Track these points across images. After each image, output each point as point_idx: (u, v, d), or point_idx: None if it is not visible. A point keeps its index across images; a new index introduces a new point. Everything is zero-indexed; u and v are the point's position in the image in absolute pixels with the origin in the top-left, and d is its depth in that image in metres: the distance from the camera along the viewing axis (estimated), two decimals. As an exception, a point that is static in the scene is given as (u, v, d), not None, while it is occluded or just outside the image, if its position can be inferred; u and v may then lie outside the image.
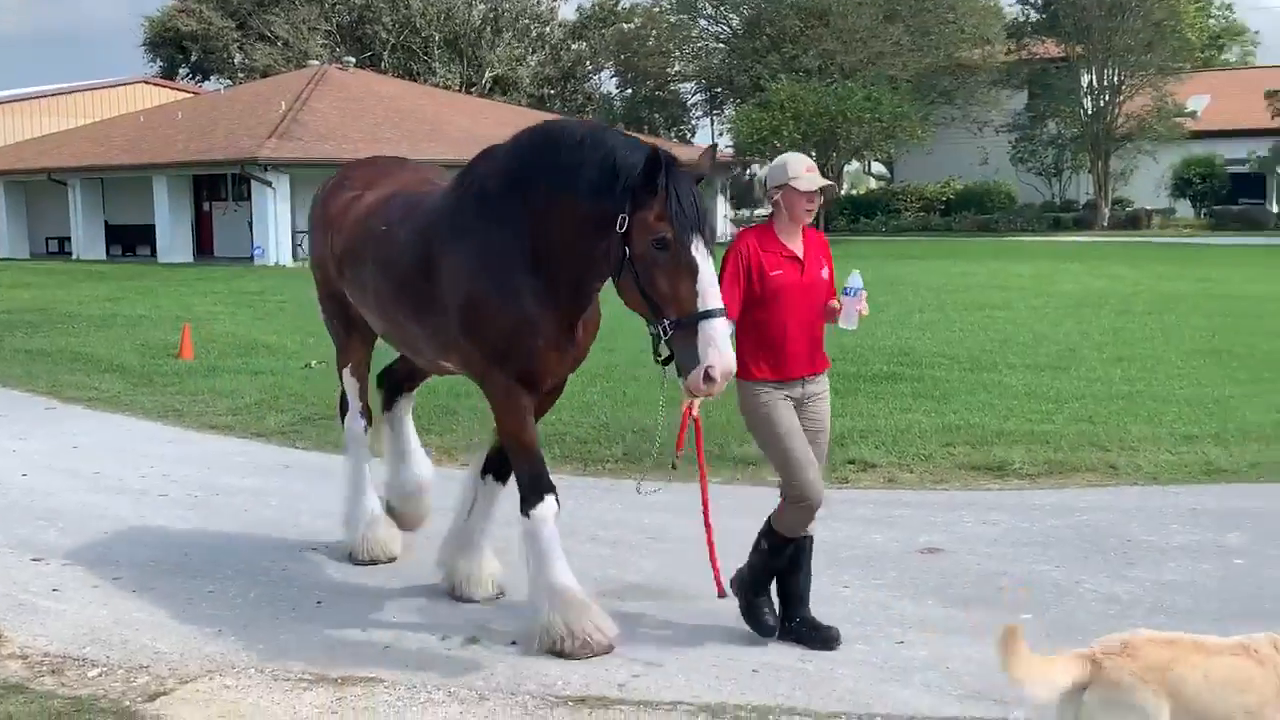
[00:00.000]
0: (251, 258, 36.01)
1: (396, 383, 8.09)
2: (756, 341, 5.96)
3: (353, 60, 52.15)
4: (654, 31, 65.32)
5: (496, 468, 6.79)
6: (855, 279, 5.99)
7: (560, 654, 5.95)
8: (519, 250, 6.03)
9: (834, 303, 6.10)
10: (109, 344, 17.54)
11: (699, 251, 5.50)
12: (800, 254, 6.03)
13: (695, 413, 5.83)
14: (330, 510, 8.55)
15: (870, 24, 54.29)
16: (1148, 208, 50.88)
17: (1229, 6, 71.85)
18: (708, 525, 6.18)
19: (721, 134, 64.05)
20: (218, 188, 40.95)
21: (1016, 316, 17.12)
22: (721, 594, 6.18)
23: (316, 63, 50.54)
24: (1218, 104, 53.61)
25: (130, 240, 41.22)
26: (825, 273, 6.12)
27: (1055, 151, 52.20)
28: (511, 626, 6.38)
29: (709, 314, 5.42)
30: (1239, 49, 72.97)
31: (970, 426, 10.52)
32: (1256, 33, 75.25)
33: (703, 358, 5.35)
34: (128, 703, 5.58)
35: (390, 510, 7.85)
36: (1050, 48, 52.21)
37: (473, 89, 61.51)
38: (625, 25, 67.38)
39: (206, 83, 65.95)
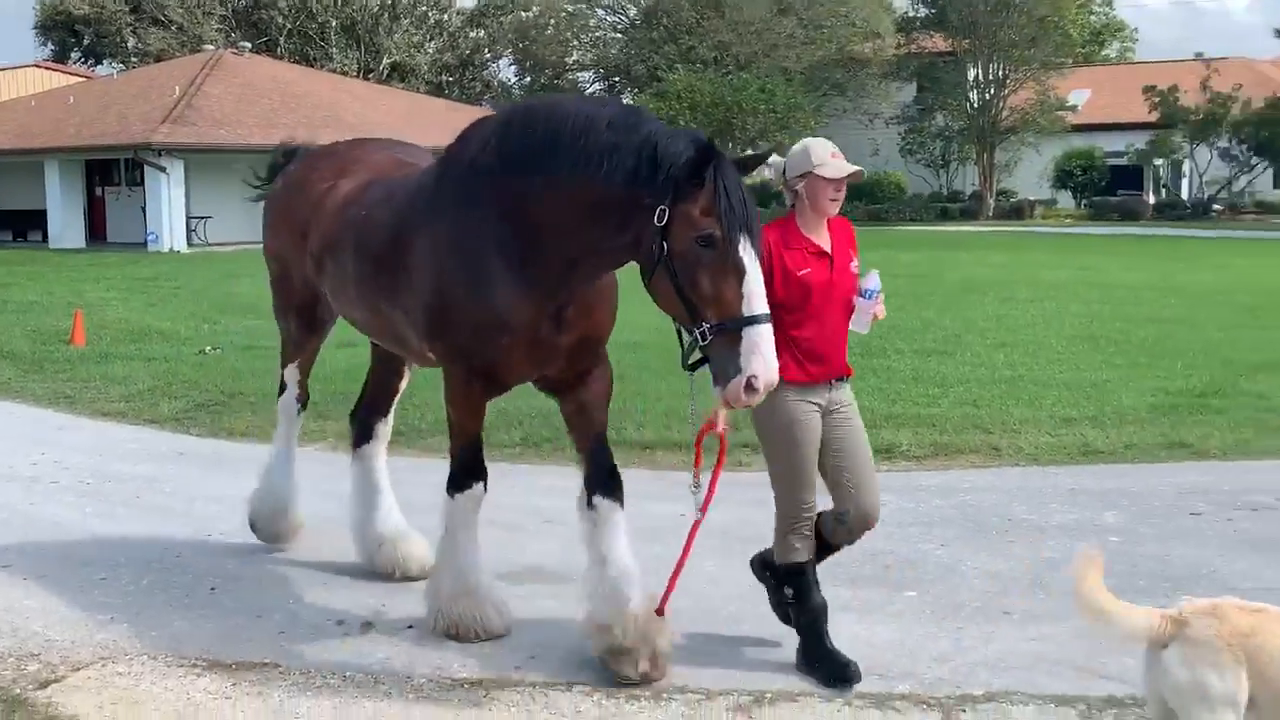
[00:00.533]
0: (145, 243, 35.28)
1: (366, 420, 7.40)
2: (782, 342, 5.19)
3: (248, 45, 51.10)
4: (552, 20, 65.36)
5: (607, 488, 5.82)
6: (873, 280, 5.51)
7: (456, 637, 5.90)
8: (497, 236, 5.49)
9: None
10: (-3, 330, 17.08)
11: (747, 252, 4.92)
12: (828, 247, 5.49)
13: (721, 428, 5.35)
14: (224, 496, 8.45)
15: (764, 16, 55.01)
16: (1030, 198, 51.90)
17: (1109, 3, 73.31)
18: (688, 546, 5.58)
19: (620, 121, 63.86)
20: (111, 173, 40.09)
21: (904, 304, 17.27)
22: (660, 613, 5.61)
23: (211, 48, 49.47)
24: (1098, 98, 54.68)
25: (20, 225, 40.21)
26: (855, 265, 5.58)
27: (942, 144, 53.08)
28: (405, 612, 6.35)
29: (755, 319, 4.84)
30: (1119, 45, 74.45)
31: (860, 410, 10.60)
32: (1135, 30, 76.95)
33: (745, 366, 4.79)
34: (18, 690, 5.46)
35: (367, 559, 7.15)
36: (938, 42, 52.91)
37: (370, 75, 60.67)
38: (524, 13, 66.96)
39: (99, 67, 64.40)
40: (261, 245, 7.60)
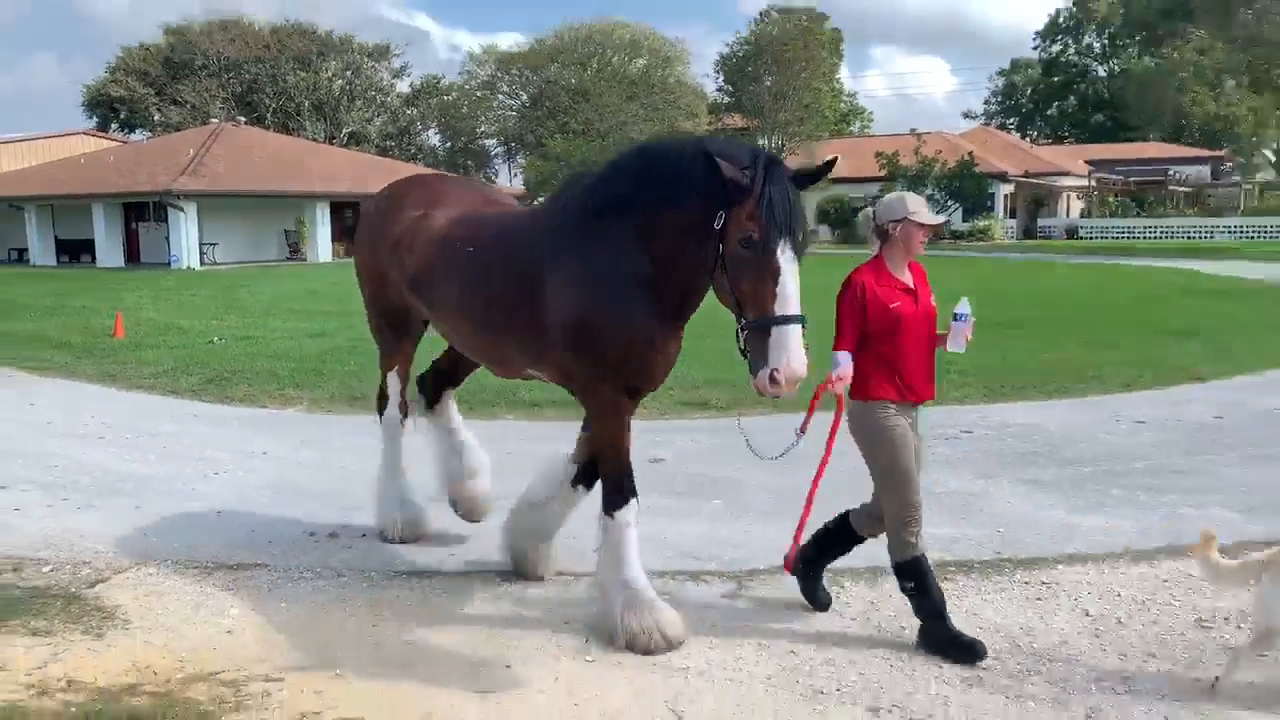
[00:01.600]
0: (169, 263, 34.01)
1: (439, 383, 6.14)
2: (878, 366, 4.54)
3: (243, 119, 49.37)
4: (466, 102, 64.78)
5: (587, 479, 5.10)
6: (964, 305, 4.65)
7: (634, 649, 4.53)
8: (627, 266, 4.48)
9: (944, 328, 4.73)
10: (58, 327, 16.24)
11: (784, 255, 4.04)
12: (911, 284, 4.66)
13: (838, 389, 4.47)
14: (227, 446, 8.24)
15: (617, 101, 55.16)
16: (801, 230, 52.55)
17: (854, 95, 75.20)
18: (809, 503, 4.87)
19: (516, 175, 63.87)
20: (143, 211, 38.19)
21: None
22: (789, 570, 4.98)
23: (216, 121, 47.86)
24: (846, 160, 55.62)
25: (75, 251, 38.31)
26: (932, 299, 4.74)
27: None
28: (362, 525, 6.22)
29: (784, 319, 4.00)
30: (859, 123, 75.98)
31: (685, 377, 10.63)
32: (870, 113, 78.75)
33: (771, 360, 3.97)
34: (74, 589, 5.26)
35: (452, 503, 6.04)
36: (737, 120, 53.39)
37: (334, 140, 59.18)
38: (445, 97, 66.30)
39: (132, 134, 61.54)
40: (355, 264, 6.05)
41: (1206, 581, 4.58)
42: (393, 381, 5.97)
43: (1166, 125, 62.22)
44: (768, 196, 4.06)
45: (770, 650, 4.59)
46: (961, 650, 4.45)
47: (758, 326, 4.04)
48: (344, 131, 62.27)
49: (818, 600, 5.01)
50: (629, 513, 4.65)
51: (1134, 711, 3.99)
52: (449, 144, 67.07)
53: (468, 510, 6.03)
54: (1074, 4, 76.50)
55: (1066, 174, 54.70)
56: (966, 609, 4.95)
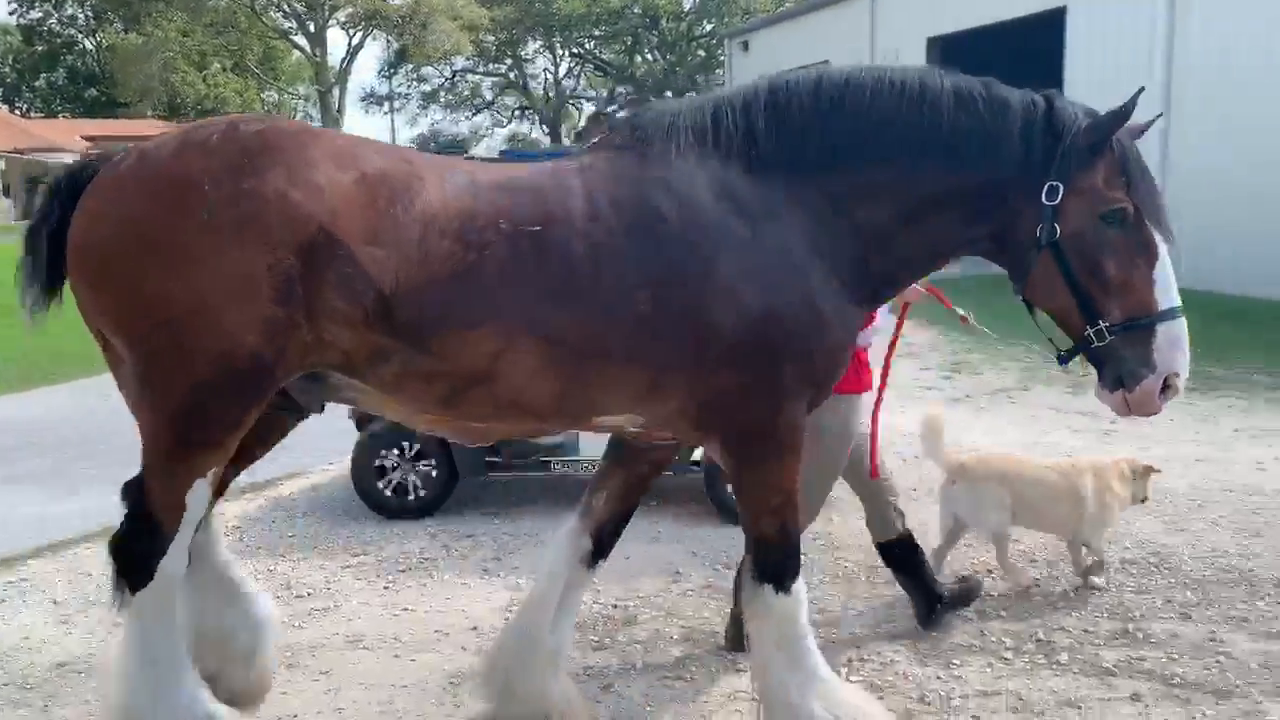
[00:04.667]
0: None
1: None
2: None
3: None
4: None
5: (603, 551, 3.66)
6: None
7: None
8: (825, 246, 3.12)
9: None
10: None
11: (1162, 231, 3.07)
12: None
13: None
14: None
15: None
16: None
17: None
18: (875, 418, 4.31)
19: None
20: None
21: None
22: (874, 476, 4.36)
23: None
24: None
25: None
26: None
27: None
28: None
29: (1172, 311, 3.04)
30: None
31: None
32: None
33: (1165, 364, 3.02)
34: None
35: (210, 681, 3.36)
36: None
37: None
38: None
39: None
40: (120, 291, 2.94)
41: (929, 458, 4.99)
42: (196, 498, 3.07)
43: (160, 103, 63.19)
44: (1133, 158, 3.11)
45: None
46: (960, 601, 4.52)
47: (1141, 326, 3.05)
48: None
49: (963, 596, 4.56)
50: (802, 590, 3.33)
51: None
52: None
53: (242, 693, 3.62)
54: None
55: (63, 150, 52.02)
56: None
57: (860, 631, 4.47)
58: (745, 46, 28.39)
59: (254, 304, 2.83)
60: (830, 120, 3.12)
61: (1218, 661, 4.11)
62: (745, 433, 3.17)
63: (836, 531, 5.58)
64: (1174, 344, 3.02)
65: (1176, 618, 4.53)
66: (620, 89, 49.09)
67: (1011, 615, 4.58)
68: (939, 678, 4.03)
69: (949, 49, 20.86)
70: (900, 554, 4.43)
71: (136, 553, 3.05)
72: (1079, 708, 3.79)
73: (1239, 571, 5.02)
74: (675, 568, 5.20)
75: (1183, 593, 4.78)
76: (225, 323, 2.83)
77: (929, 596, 4.41)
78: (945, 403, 8.59)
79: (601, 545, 3.61)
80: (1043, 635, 4.37)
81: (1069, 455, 6.07)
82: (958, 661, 4.17)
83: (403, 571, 5.21)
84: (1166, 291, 3.04)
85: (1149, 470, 4.88)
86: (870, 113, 3.11)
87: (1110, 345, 3.06)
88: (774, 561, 3.25)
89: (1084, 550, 4.85)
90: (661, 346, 3.03)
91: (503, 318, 2.94)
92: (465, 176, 3.07)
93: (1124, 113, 3.06)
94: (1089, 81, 16.86)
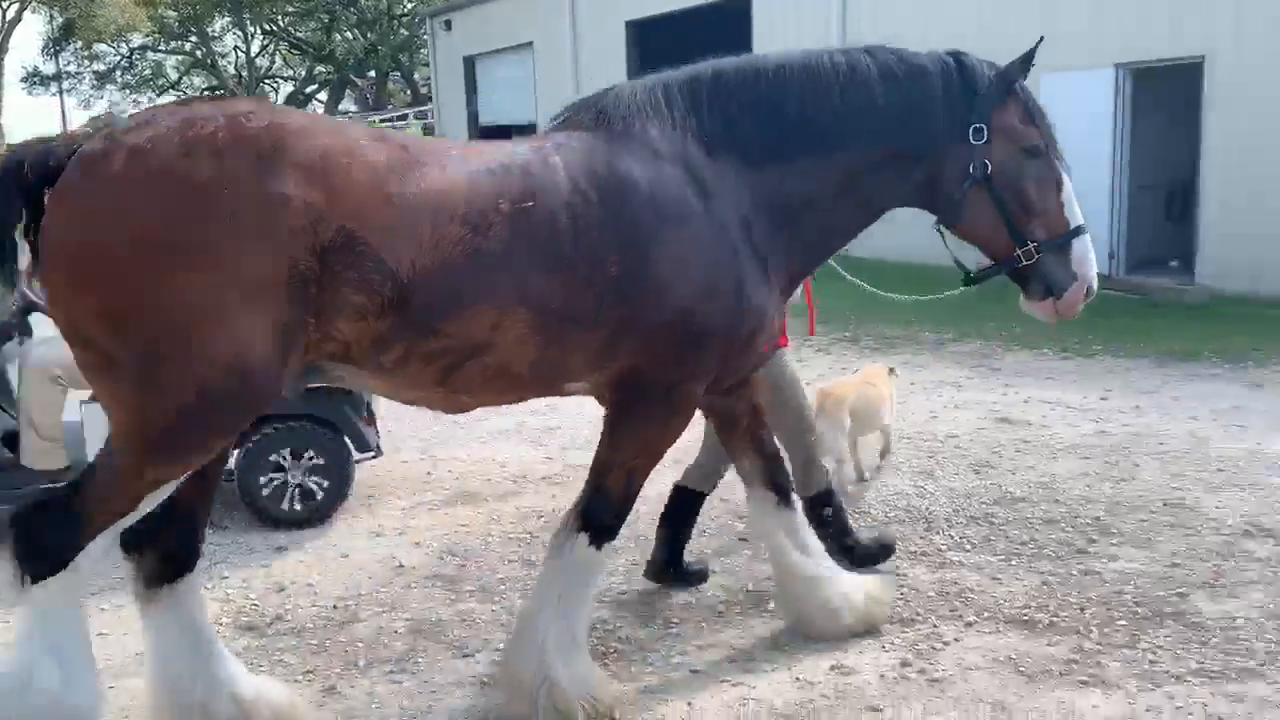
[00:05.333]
0: None
1: (183, 535, 3.28)
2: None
3: None
4: None
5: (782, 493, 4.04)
6: None
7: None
8: (755, 227, 3.38)
9: None
10: None
11: (1061, 160, 3.54)
12: None
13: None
14: None
15: None
16: None
17: None
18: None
19: None
20: None
21: None
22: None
23: None
24: None
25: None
26: None
27: None
28: None
29: (1081, 228, 3.51)
30: None
31: None
32: None
33: (1081, 275, 3.48)
34: None
35: None
36: None
37: None
38: None
39: None
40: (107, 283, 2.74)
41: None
42: (148, 503, 2.99)
43: None
44: (1031, 97, 3.57)
45: None
46: (875, 556, 4.77)
47: (1059, 245, 3.49)
48: None
49: (694, 576, 4.68)
50: (613, 546, 3.65)
51: None
52: None
53: None
54: None
55: None
56: None
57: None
58: (448, 25, 27.99)
59: (270, 307, 2.79)
60: (774, 102, 3.43)
61: (901, 593, 4.54)
62: (652, 392, 3.38)
63: (561, 508, 5.67)
64: (1086, 255, 3.50)
65: (867, 557, 4.95)
66: (319, 68, 47.04)
67: (725, 570, 4.84)
68: (660, 637, 4.21)
69: (646, 32, 21.54)
70: (819, 509, 4.67)
71: (51, 541, 2.91)
72: (785, 649, 4.07)
73: (917, 510, 5.56)
74: (398, 560, 5.11)
75: (870, 533, 5.23)
76: (240, 326, 2.77)
77: (845, 547, 4.70)
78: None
79: (780, 487, 4.02)
80: (752, 586, 4.66)
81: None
82: (676, 620, 4.36)
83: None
84: (1074, 212, 3.51)
85: (892, 371, 6.42)
86: (808, 95, 3.44)
87: (1037, 262, 3.49)
88: (603, 514, 3.49)
89: (885, 437, 6.33)
90: (622, 311, 3.21)
91: (502, 291, 3.05)
92: (460, 160, 3.13)
93: (1027, 60, 3.53)
94: (775, 64, 17.93)
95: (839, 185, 3.51)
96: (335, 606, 4.60)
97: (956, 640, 4.10)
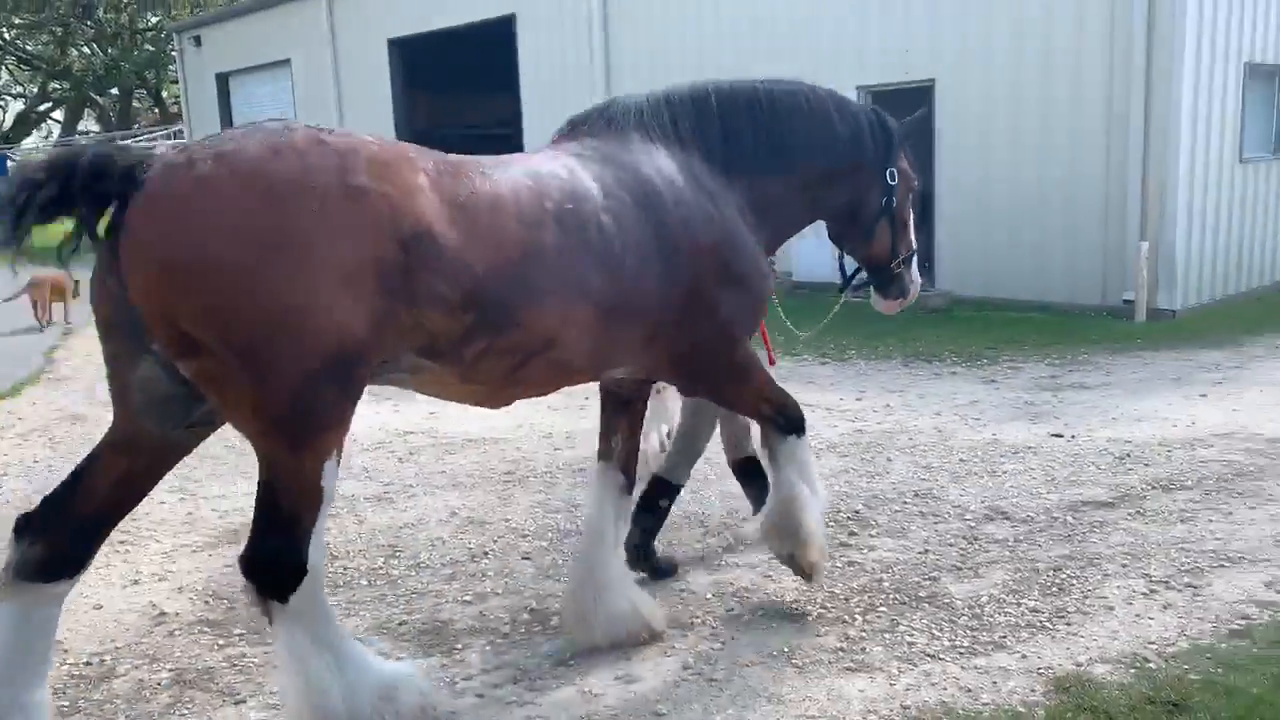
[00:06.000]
0: None
1: (94, 531, 3.28)
2: None
3: None
4: None
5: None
6: None
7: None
8: (755, 223, 4.08)
9: None
10: None
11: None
12: None
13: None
14: None
15: None
16: None
17: None
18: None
19: None
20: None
21: None
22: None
23: None
24: None
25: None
26: None
27: None
28: None
29: (915, 250, 4.70)
30: None
31: None
32: None
33: (916, 279, 4.73)
34: None
35: None
36: None
37: None
38: None
39: None
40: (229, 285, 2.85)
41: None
42: (329, 479, 3.11)
43: None
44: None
45: None
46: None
47: (908, 260, 4.63)
48: None
49: (661, 571, 4.90)
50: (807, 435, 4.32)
51: None
52: None
53: None
54: None
55: None
56: None
57: (362, 629, 4.44)
58: (198, 42, 26.52)
59: (363, 295, 2.96)
60: (758, 125, 4.11)
61: (681, 597, 4.66)
62: (718, 372, 4.02)
63: (334, 540, 5.48)
64: (917, 268, 4.72)
65: (647, 565, 5.06)
66: (54, 85, 43.49)
67: (507, 591, 4.82)
68: (443, 664, 4.14)
69: (410, 50, 21.22)
70: (748, 469, 5.27)
71: (282, 559, 3.05)
72: (569, 664, 4.09)
73: (694, 515, 5.74)
74: (158, 609, 4.78)
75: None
76: (337, 313, 2.91)
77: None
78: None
79: (629, 476, 4.27)
80: (536, 605, 4.66)
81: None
82: (460, 645, 4.30)
83: None
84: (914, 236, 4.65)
85: None
86: (784, 120, 4.17)
87: (899, 273, 4.60)
88: (789, 421, 4.21)
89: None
90: (658, 302, 3.68)
91: (568, 287, 3.39)
92: (501, 169, 3.43)
93: (919, 118, 4.67)
94: (538, 82, 18.10)
95: (797, 190, 4.25)
96: (89, 663, 4.25)
97: (733, 639, 4.25)
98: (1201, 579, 4.67)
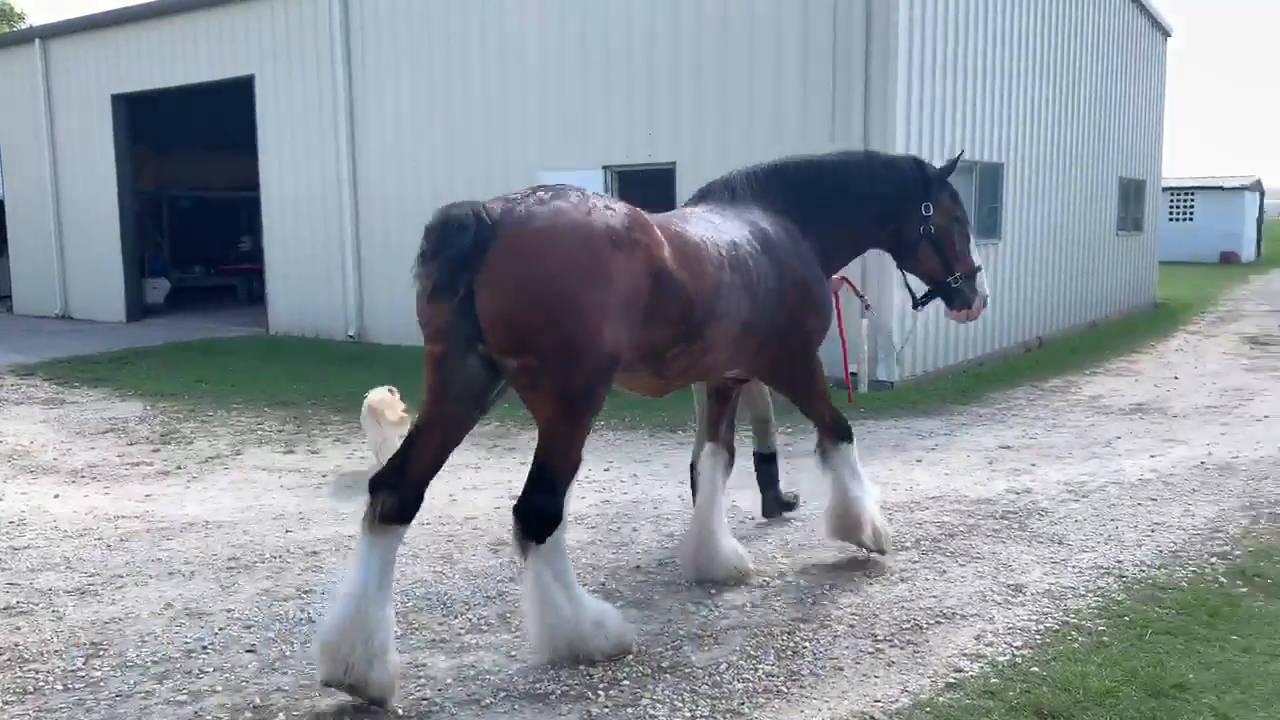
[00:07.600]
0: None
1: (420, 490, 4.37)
2: None
3: None
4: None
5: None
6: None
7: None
8: (819, 254, 5.54)
9: None
10: None
11: (971, 228, 5.91)
12: None
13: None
14: None
15: None
16: None
17: None
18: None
19: None
20: None
21: None
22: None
23: None
24: None
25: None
26: None
27: None
28: None
29: (980, 268, 5.88)
30: None
31: None
32: None
33: (983, 292, 5.86)
34: None
35: None
36: None
37: None
38: None
39: None
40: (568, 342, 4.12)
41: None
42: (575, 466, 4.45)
43: None
44: (954, 190, 5.83)
45: None
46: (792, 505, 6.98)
47: (969, 277, 5.82)
48: None
49: (790, 504, 6.96)
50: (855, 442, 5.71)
51: None
52: None
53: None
54: None
55: None
56: None
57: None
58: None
59: (628, 315, 4.20)
60: (823, 190, 5.53)
61: (420, 683, 4.44)
62: (799, 375, 5.46)
63: (25, 641, 4.87)
64: (984, 282, 5.85)
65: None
66: None
67: (227, 688, 4.42)
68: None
69: (139, 106, 20.00)
70: (766, 462, 6.75)
71: (547, 510, 4.20)
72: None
73: (436, 596, 5.52)
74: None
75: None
76: (617, 329, 4.15)
77: (777, 495, 6.82)
78: (159, 476, 8.11)
79: (731, 453, 5.79)
80: (259, 701, 4.30)
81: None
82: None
83: None
84: (977, 257, 5.86)
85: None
86: (843, 182, 5.59)
87: (959, 287, 5.79)
88: (842, 427, 5.64)
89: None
90: (771, 322, 5.08)
91: (731, 310, 4.76)
92: (688, 224, 4.82)
93: (952, 165, 5.85)
94: (280, 139, 17.48)
95: (850, 236, 5.67)
96: None
97: (474, 726, 4.08)
98: (920, 635, 4.94)
